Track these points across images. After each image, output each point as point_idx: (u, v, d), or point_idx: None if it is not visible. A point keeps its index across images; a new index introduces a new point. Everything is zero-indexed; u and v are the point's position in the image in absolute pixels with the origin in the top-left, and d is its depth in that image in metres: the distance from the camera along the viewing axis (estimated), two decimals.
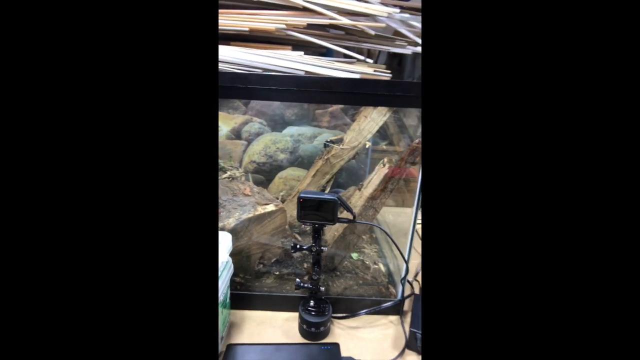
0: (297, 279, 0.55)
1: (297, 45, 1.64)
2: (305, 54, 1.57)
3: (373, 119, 0.75)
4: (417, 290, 0.68)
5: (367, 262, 0.76)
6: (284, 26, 1.48)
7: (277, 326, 0.58)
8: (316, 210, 0.52)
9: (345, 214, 0.55)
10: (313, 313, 0.55)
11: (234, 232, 0.65)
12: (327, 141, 0.88)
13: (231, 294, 0.58)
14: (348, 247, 0.70)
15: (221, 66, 1.52)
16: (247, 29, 1.45)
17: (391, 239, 0.61)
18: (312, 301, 0.56)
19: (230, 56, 1.44)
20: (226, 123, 0.97)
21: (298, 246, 0.54)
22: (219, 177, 0.84)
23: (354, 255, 0.77)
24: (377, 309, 0.61)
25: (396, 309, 0.63)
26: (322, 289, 0.57)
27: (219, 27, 1.39)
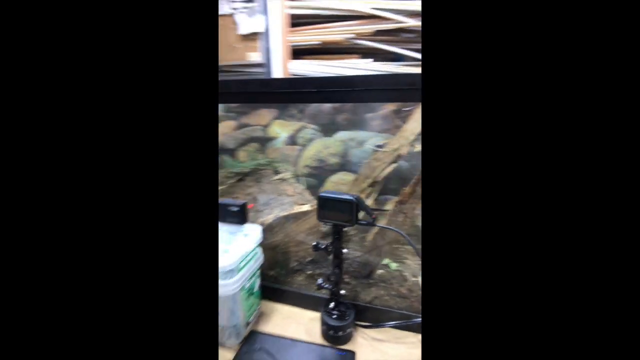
0: (320, 279, 0.56)
1: (366, 53, 1.67)
2: (374, 60, 1.59)
3: (416, 119, 0.71)
4: None
5: (406, 274, 0.71)
6: (352, 35, 1.53)
7: (301, 323, 0.60)
8: (335, 210, 0.52)
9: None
10: (333, 316, 0.55)
11: (270, 227, 0.70)
12: (376, 145, 0.87)
13: (263, 285, 0.62)
14: (380, 254, 0.67)
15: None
16: (318, 42, 1.55)
17: (414, 248, 0.56)
18: (332, 303, 0.56)
19: (302, 69, 1.55)
20: (284, 130, 1.05)
21: (320, 245, 0.55)
22: (272, 178, 0.91)
23: (392, 265, 0.73)
24: (402, 324, 0.57)
25: None
26: (343, 292, 0.56)
27: (292, 44, 1.51)
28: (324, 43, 1.64)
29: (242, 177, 0.92)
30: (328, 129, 1.05)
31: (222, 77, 1.64)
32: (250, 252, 0.55)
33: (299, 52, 1.72)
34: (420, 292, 0.66)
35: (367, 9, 1.61)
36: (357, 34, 1.64)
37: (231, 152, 1.04)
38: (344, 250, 0.54)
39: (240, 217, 0.58)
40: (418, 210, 0.62)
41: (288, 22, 1.59)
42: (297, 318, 0.60)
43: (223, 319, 0.52)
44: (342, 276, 0.55)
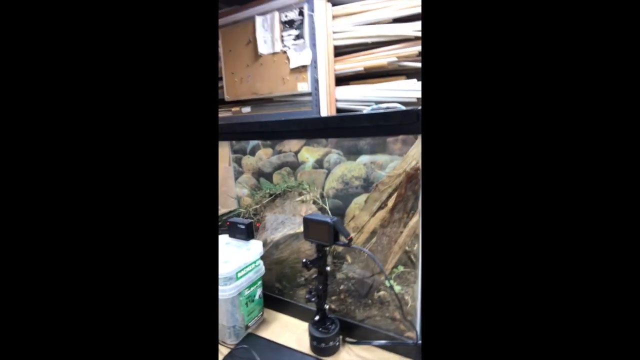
0: (308, 293, 0.63)
1: (411, 73, 1.72)
2: (418, 80, 1.65)
3: (417, 144, 0.74)
4: None
5: (407, 297, 0.72)
6: (395, 59, 1.61)
7: (295, 333, 0.67)
8: (316, 231, 0.59)
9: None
10: (317, 327, 0.61)
11: (277, 244, 0.80)
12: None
13: (269, 295, 0.72)
14: (373, 275, 0.70)
15: (340, 105, 1.80)
16: (362, 68, 1.67)
17: (381, 269, 0.59)
18: (317, 317, 0.62)
19: (347, 95, 1.70)
20: (312, 155, 1.15)
21: (307, 263, 0.62)
22: (294, 199, 1.01)
23: (397, 288, 0.75)
24: (386, 344, 0.59)
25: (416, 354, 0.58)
26: (327, 306, 0.62)
27: (336, 72, 1.65)
28: (366, 68, 1.73)
29: (274, 197, 1.04)
30: (351, 153, 1.12)
31: (274, 107, 1.86)
32: (250, 264, 0.65)
33: (343, 79, 1.83)
34: (412, 317, 0.66)
35: (410, 32, 1.65)
36: (399, 56, 1.69)
37: (268, 175, 1.19)
38: (327, 268, 0.60)
39: (247, 233, 0.69)
40: (402, 231, 0.64)
41: (333, 53, 1.72)
42: (293, 328, 0.68)
43: (223, 319, 0.63)
44: (327, 292, 0.61)
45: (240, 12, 1.84)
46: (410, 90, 1.69)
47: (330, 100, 1.76)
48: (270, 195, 1.06)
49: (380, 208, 0.85)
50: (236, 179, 1.20)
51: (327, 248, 0.61)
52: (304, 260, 0.63)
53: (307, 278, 0.79)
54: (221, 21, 1.89)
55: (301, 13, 1.68)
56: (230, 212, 1.11)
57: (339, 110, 1.81)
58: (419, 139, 0.76)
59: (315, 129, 0.56)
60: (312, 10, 1.67)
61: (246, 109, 1.96)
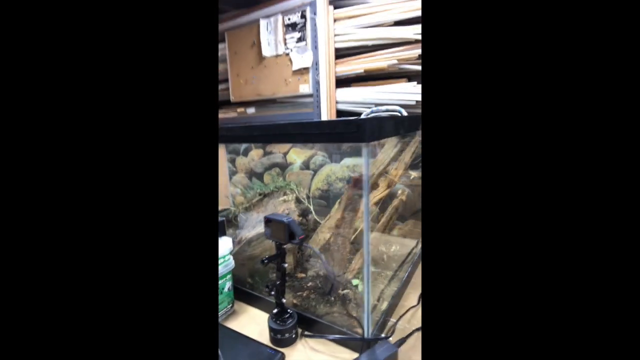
0: (267, 286, 0.68)
1: (412, 76, 1.75)
2: (418, 83, 1.68)
3: (385, 150, 0.78)
4: (396, 337, 0.64)
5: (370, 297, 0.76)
6: (395, 61, 1.65)
7: (259, 324, 0.72)
8: (275, 230, 0.65)
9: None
10: (274, 320, 0.67)
11: (249, 241, 0.86)
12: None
13: (241, 290, 0.78)
14: (341, 275, 0.75)
15: (340, 106, 1.85)
16: (362, 70, 1.72)
17: (326, 268, 0.63)
18: (275, 310, 0.67)
19: (347, 97, 1.75)
20: (299, 156, 1.20)
21: (264, 260, 0.67)
22: (278, 199, 1.07)
23: (360, 287, 0.79)
24: (334, 338, 0.64)
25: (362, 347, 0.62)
26: (284, 300, 0.67)
27: (337, 74, 1.70)
28: (366, 71, 1.76)
29: (263, 197, 1.11)
30: (335, 156, 1.16)
31: (278, 108, 1.92)
32: (219, 259, 0.71)
33: (344, 81, 1.87)
34: (373, 317, 0.70)
35: (410, 35, 1.67)
36: (399, 59, 1.71)
37: (259, 175, 1.25)
38: (285, 265, 0.65)
39: (219, 230, 0.75)
40: (354, 230, 0.67)
41: (334, 55, 1.76)
42: (258, 320, 0.73)
43: None
44: (284, 287, 0.66)
45: (246, 15, 1.92)
46: (410, 93, 1.71)
47: (331, 102, 1.81)
48: (260, 194, 1.12)
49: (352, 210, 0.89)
50: (230, 178, 1.28)
51: (284, 246, 0.66)
52: (262, 258, 0.68)
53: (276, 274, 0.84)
54: (227, 24, 1.98)
55: (303, 16, 1.73)
56: (222, 210, 1.18)
57: (339, 111, 1.86)
58: (386, 145, 0.79)
59: (277, 134, 0.61)
60: (315, 13, 1.72)
61: (251, 110, 2.04)
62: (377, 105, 1.76)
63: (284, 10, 1.79)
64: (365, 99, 1.81)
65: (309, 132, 0.56)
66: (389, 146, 0.76)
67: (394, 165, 0.91)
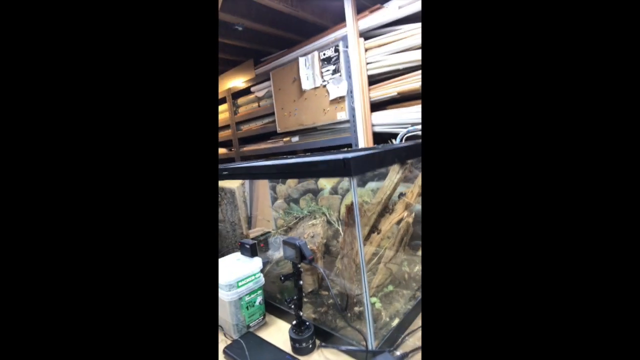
0: (286, 300, 0.80)
1: None
2: None
3: (389, 176, 0.87)
4: (402, 350, 0.70)
5: (383, 314, 0.83)
6: None
7: (285, 334, 0.84)
8: (290, 251, 0.77)
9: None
10: (294, 331, 0.78)
11: (277, 261, 0.99)
12: (400, 193, 1.04)
13: (270, 303, 0.91)
14: (345, 293, 0.83)
15: (377, 129, 1.98)
16: (396, 93, 1.84)
17: (328, 286, 0.72)
18: (294, 322, 0.79)
19: (383, 120, 1.88)
20: (329, 182, 1.32)
21: (282, 277, 0.80)
22: (309, 222, 1.19)
23: (377, 305, 0.87)
24: (344, 349, 0.72)
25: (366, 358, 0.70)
26: (302, 313, 0.78)
27: (371, 99, 1.84)
28: (400, 93, 1.84)
29: (298, 220, 1.25)
30: (360, 181, 1.25)
31: (319, 135, 2.09)
32: (250, 276, 0.86)
33: (379, 105, 1.98)
34: (381, 332, 0.77)
35: None
36: None
37: (296, 200, 1.40)
38: (300, 282, 0.77)
39: (251, 252, 0.90)
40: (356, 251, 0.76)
41: (367, 82, 1.89)
42: (284, 331, 0.85)
43: (228, 317, 0.84)
44: (301, 301, 0.77)
45: (287, 55, 2.16)
46: None
47: (366, 125, 1.92)
48: (296, 217, 1.26)
49: (371, 231, 0.98)
50: (272, 204, 1.45)
51: (299, 265, 0.78)
52: (280, 276, 0.81)
53: (304, 292, 0.95)
54: (271, 65, 2.24)
55: (337, 50, 1.90)
56: (266, 233, 1.34)
57: (375, 134, 1.95)
58: (390, 172, 0.87)
59: (277, 172, 0.75)
60: (347, 46, 1.88)
61: (295, 139, 2.25)
62: (412, 125, 1.82)
63: (319, 47, 1.98)
64: (401, 120, 1.88)
65: (308, 170, 0.69)
66: (393, 173, 0.84)
67: (410, 188, 0.98)
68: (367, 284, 0.66)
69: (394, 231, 0.97)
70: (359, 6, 1.84)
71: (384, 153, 0.70)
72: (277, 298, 0.95)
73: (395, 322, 0.77)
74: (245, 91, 2.48)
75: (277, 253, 1.06)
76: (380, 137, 1.92)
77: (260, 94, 2.35)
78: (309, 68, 2.02)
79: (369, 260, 0.91)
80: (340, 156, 0.62)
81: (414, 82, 1.77)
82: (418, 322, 0.81)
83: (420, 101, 1.84)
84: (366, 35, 1.87)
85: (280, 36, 2.13)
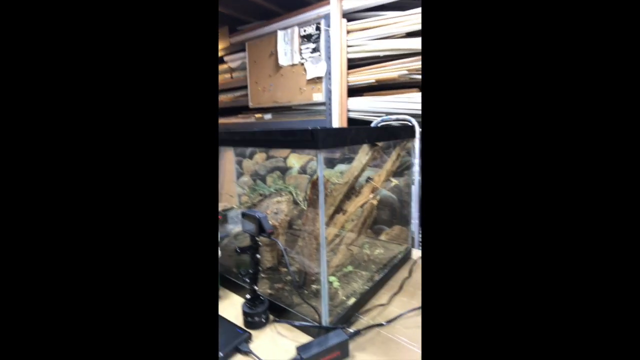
0: (241, 273, 0.79)
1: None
2: None
3: (358, 158, 0.86)
4: (355, 327, 0.71)
5: (340, 293, 0.84)
6: (405, 72, 1.75)
7: (237, 309, 0.83)
8: (249, 224, 0.75)
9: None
10: (247, 305, 0.77)
11: (236, 235, 0.97)
12: (368, 177, 1.04)
13: (226, 277, 0.89)
14: (304, 269, 0.83)
15: (352, 115, 1.97)
16: (373, 80, 1.83)
17: (288, 267, 0.71)
18: (247, 295, 0.78)
19: (359, 106, 1.87)
20: (298, 161, 1.31)
21: (237, 250, 0.78)
22: (274, 199, 1.17)
23: (335, 283, 0.87)
24: (297, 324, 0.72)
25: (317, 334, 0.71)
26: (256, 288, 0.77)
27: (349, 84, 1.82)
28: (378, 80, 1.85)
29: (264, 197, 1.22)
30: (330, 162, 1.25)
31: (293, 114, 2.05)
32: None
33: (357, 91, 1.97)
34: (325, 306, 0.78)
35: (419, 46, 1.74)
36: (410, 70, 1.78)
37: (263, 177, 1.37)
38: (257, 256, 0.75)
39: None
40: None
41: (347, 66, 1.87)
42: (237, 305, 0.84)
43: None
44: (257, 275, 0.76)
45: (265, 27, 2.09)
46: (419, 102, 1.76)
47: (342, 110, 1.91)
48: (261, 195, 1.24)
49: (336, 212, 0.98)
50: (237, 179, 1.41)
51: (257, 239, 0.76)
52: (237, 248, 0.79)
53: (262, 268, 0.94)
54: (248, 35, 2.15)
55: (318, 28, 1.86)
56: (229, 208, 1.30)
57: (350, 119, 1.95)
58: (359, 153, 0.87)
59: (249, 139, 0.72)
60: (329, 25, 1.84)
61: (268, 116, 2.19)
62: (387, 114, 1.84)
63: (300, 22, 1.93)
64: (377, 108, 1.89)
65: (275, 138, 0.67)
66: (362, 154, 0.84)
67: (378, 173, 0.99)
68: (327, 262, 0.66)
69: (358, 214, 0.97)
70: None
71: (355, 130, 0.69)
72: (232, 272, 0.93)
73: (352, 301, 0.78)
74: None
75: (236, 227, 1.03)
76: (354, 123, 1.93)
77: (234, 64, 2.26)
78: (287, 43, 1.96)
79: (331, 241, 0.92)
80: (305, 128, 0.61)
81: (392, 71, 1.78)
82: (374, 301, 0.83)
83: (396, 91, 1.85)
84: (349, 16, 1.84)
85: (259, 5, 2.04)
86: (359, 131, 0.72)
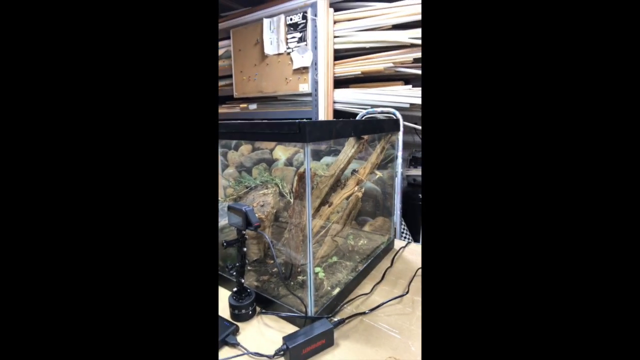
0: (227, 266, 0.79)
1: (408, 79, 1.83)
2: (414, 86, 1.77)
3: (344, 150, 0.87)
4: (339, 316, 0.73)
5: (325, 283, 0.86)
6: (391, 64, 1.75)
7: (224, 302, 0.84)
8: (235, 217, 0.75)
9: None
10: (234, 298, 0.78)
11: (222, 228, 0.97)
12: (353, 170, 1.05)
13: None
14: (291, 262, 0.85)
15: (338, 106, 1.96)
16: (359, 72, 1.82)
17: (273, 253, 0.73)
18: (235, 288, 0.78)
19: (345, 98, 1.86)
20: (284, 153, 1.31)
21: (224, 243, 0.78)
22: (261, 192, 1.17)
23: (321, 274, 0.89)
24: (284, 315, 0.74)
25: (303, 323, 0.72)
26: (243, 280, 0.78)
27: (335, 75, 1.80)
28: (364, 72, 1.84)
29: (249, 190, 1.22)
30: (316, 154, 1.26)
31: (278, 105, 2.03)
32: None
33: (343, 82, 1.96)
34: (322, 300, 0.80)
35: (405, 39, 1.74)
36: (395, 62, 1.78)
37: (249, 169, 1.37)
38: (244, 249, 0.76)
39: None
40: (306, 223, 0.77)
41: (333, 56, 1.85)
42: (224, 298, 0.84)
43: None
44: (244, 268, 0.77)
45: (250, 14, 2.04)
46: (405, 95, 1.78)
47: (328, 101, 1.90)
48: (247, 187, 1.23)
49: (322, 204, 0.99)
50: (222, 171, 1.40)
51: (244, 232, 0.77)
52: (223, 241, 0.79)
53: (248, 260, 0.95)
54: (233, 22, 2.10)
55: (305, 17, 1.84)
56: None
57: (336, 111, 1.95)
58: (345, 146, 0.88)
59: (234, 131, 0.72)
60: (316, 15, 1.82)
61: (253, 106, 2.17)
62: (373, 106, 1.85)
63: (286, 10, 1.90)
64: (362, 100, 1.89)
65: (262, 131, 0.67)
66: (348, 147, 0.85)
67: (363, 166, 1.00)
68: (312, 254, 0.67)
69: (343, 206, 0.99)
70: None
71: (342, 123, 0.70)
72: (219, 265, 0.93)
73: (336, 291, 0.80)
74: None
75: (222, 220, 1.03)
76: (340, 115, 1.93)
77: (218, 52, 2.22)
78: (273, 32, 1.93)
79: (317, 232, 0.93)
80: (293, 120, 0.61)
81: (378, 63, 1.78)
82: (358, 291, 0.86)
83: (382, 84, 1.86)
84: (337, 6, 1.82)
85: None
86: (345, 124, 0.73)
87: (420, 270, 0.94)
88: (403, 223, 1.76)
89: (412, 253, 1.07)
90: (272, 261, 0.93)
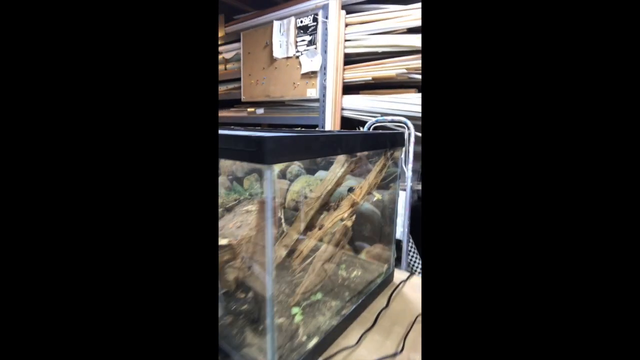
0: None
1: (420, 86, 1.62)
2: None
3: (332, 169, 0.70)
4: None
5: (301, 330, 0.68)
6: (404, 70, 1.55)
7: None
8: None
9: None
10: None
11: None
12: (350, 187, 0.87)
13: None
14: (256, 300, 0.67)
15: (346, 113, 1.77)
16: (370, 78, 1.63)
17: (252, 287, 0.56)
18: None
19: (353, 104, 1.68)
20: (277, 165, 1.14)
21: None
22: (245, 207, 1.01)
23: (298, 317, 0.71)
24: None
25: None
26: None
27: (345, 80, 1.63)
28: (375, 78, 1.66)
29: (238, 202, 1.06)
30: (310, 168, 1.08)
31: (286, 110, 1.88)
32: None
33: (352, 88, 1.78)
34: (285, 353, 0.62)
35: (420, 44, 1.56)
36: (409, 68, 1.60)
37: (241, 179, 1.21)
38: None
39: None
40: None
41: (343, 61, 1.68)
42: None
43: None
44: None
45: (261, 17, 1.90)
46: (417, 104, 1.58)
47: (336, 108, 1.73)
48: (235, 199, 1.08)
49: (307, 229, 0.81)
50: None
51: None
52: None
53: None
54: (243, 24, 1.97)
55: (315, 19, 1.67)
56: None
57: (344, 118, 1.77)
58: (334, 164, 0.71)
59: None
60: (327, 17, 1.65)
61: (260, 111, 2.02)
62: (383, 114, 1.65)
63: (297, 12, 1.75)
64: (372, 108, 1.71)
65: (236, 148, 0.50)
66: (337, 165, 0.68)
67: (360, 184, 0.82)
68: (294, 287, 0.50)
69: (332, 231, 0.81)
70: None
71: (325, 138, 0.52)
72: None
73: (313, 342, 0.62)
74: None
75: None
76: (348, 123, 1.75)
77: (228, 55, 2.09)
78: (283, 34, 1.78)
79: (306, 257, 0.75)
80: (254, 134, 0.44)
81: (390, 68, 1.59)
82: (341, 341, 0.67)
83: (393, 91, 1.67)
84: (349, 8, 1.65)
85: None
86: (330, 139, 0.55)
87: (420, 318, 0.74)
88: (411, 241, 1.54)
89: (415, 289, 0.87)
90: (243, 295, 0.76)
